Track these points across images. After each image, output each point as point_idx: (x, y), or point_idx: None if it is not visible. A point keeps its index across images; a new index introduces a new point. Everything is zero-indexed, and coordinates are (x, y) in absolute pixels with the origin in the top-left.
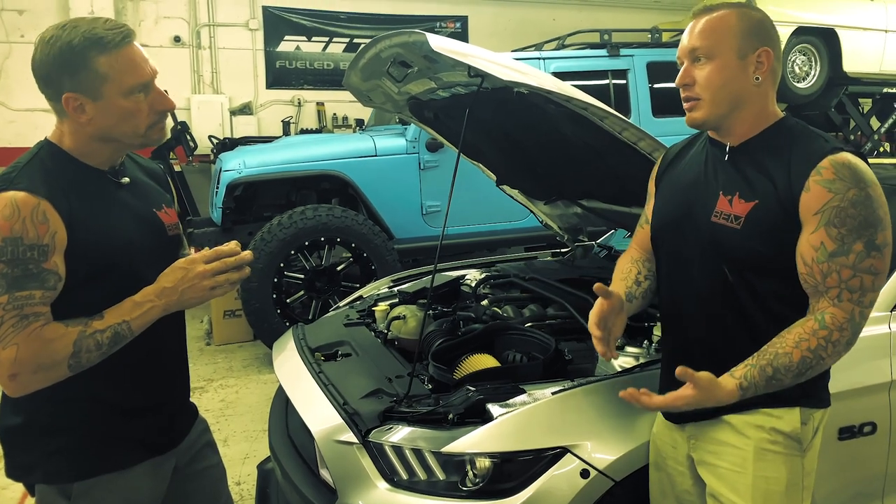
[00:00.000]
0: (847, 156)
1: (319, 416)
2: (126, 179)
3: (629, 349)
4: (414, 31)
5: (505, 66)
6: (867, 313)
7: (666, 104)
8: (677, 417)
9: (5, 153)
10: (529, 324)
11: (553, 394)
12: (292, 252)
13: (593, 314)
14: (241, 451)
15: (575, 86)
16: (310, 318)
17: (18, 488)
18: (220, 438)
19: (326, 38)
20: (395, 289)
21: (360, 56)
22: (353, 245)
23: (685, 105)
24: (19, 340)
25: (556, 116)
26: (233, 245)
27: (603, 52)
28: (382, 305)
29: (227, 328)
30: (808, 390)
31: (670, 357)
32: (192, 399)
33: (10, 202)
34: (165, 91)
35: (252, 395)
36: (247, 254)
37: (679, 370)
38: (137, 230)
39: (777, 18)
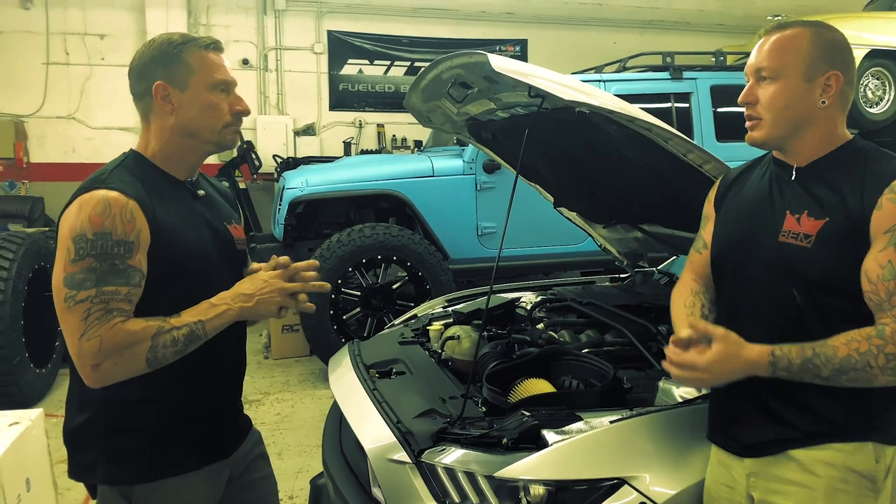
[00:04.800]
0: None
1: (373, 433)
2: (202, 192)
3: None
4: (475, 51)
5: (566, 86)
6: None
7: (730, 128)
8: (738, 449)
9: (83, 168)
10: (587, 350)
11: (611, 422)
12: (350, 269)
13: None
14: (295, 466)
15: None
16: (365, 335)
17: (81, 490)
18: (275, 452)
19: (388, 62)
20: (450, 309)
21: (421, 77)
22: (409, 264)
23: (747, 123)
24: (102, 333)
25: (618, 138)
26: (313, 263)
27: (665, 74)
28: (437, 325)
29: (284, 342)
30: (877, 423)
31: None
32: (247, 411)
33: (103, 199)
34: None
35: (307, 409)
36: (322, 284)
37: (692, 323)
38: (211, 238)
39: (849, 41)
